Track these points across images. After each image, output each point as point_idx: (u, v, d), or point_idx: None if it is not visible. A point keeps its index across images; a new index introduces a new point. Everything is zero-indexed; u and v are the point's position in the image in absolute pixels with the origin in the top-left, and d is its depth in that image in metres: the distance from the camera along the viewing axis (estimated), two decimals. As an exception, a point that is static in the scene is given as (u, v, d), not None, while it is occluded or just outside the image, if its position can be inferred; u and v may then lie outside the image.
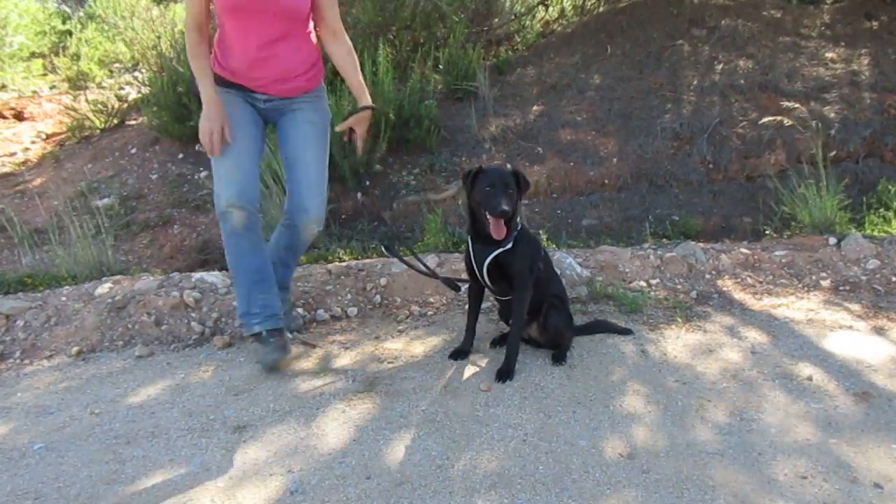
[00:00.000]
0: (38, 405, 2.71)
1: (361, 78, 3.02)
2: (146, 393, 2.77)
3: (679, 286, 3.68)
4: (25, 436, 2.51)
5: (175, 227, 4.74)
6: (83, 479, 2.26)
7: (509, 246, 2.78)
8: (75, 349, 3.13)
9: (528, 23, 7.45)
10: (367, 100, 2.96)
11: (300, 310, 3.40)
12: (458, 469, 2.27)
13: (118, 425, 2.55)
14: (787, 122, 4.66)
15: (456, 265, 3.57)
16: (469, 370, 2.90)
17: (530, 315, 2.99)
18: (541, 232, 4.45)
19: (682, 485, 2.19)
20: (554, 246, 4.19)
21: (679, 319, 3.32)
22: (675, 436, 2.45)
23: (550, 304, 2.96)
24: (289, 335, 3.14)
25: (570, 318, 3.04)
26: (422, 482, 2.21)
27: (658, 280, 3.72)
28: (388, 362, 2.98)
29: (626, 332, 3.18)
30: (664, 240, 4.38)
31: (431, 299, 3.52)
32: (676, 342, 3.12)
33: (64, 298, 3.40)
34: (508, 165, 2.83)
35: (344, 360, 3.00)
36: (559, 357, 2.95)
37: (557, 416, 2.57)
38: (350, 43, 3.00)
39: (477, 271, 2.87)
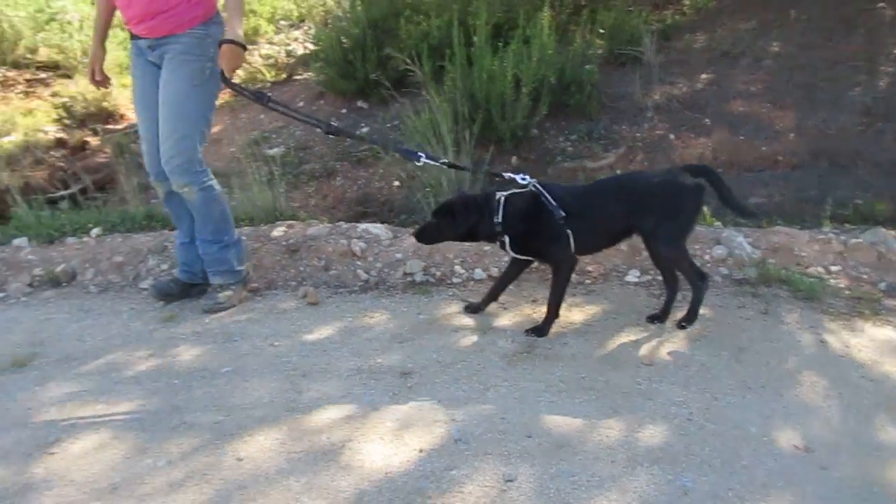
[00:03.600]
0: (224, 333, 2.97)
1: (238, 11, 2.84)
2: (318, 332, 2.95)
3: (864, 276, 3.36)
4: (215, 359, 2.76)
5: (338, 178, 4.95)
6: (265, 403, 2.46)
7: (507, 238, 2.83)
8: (252, 285, 3.39)
9: (699, -16, 6.98)
10: (228, 33, 2.81)
11: (458, 267, 3.47)
12: (619, 439, 2.25)
13: (295, 359, 2.75)
14: None
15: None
16: (629, 342, 2.83)
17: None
18: (705, 209, 4.21)
19: (867, 488, 2.04)
20: (719, 223, 3.96)
21: (865, 312, 3.04)
22: (859, 434, 2.27)
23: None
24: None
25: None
26: (583, 447, 2.20)
27: (840, 267, 3.41)
28: (546, 326, 2.97)
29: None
30: (845, 224, 4.01)
31: (589, 268, 3.46)
32: (861, 336, 2.87)
33: (244, 238, 3.66)
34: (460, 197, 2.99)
35: (503, 320, 3.03)
36: (687, 320, 2.94)
37: (725, 399, 2.45)
38: None
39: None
